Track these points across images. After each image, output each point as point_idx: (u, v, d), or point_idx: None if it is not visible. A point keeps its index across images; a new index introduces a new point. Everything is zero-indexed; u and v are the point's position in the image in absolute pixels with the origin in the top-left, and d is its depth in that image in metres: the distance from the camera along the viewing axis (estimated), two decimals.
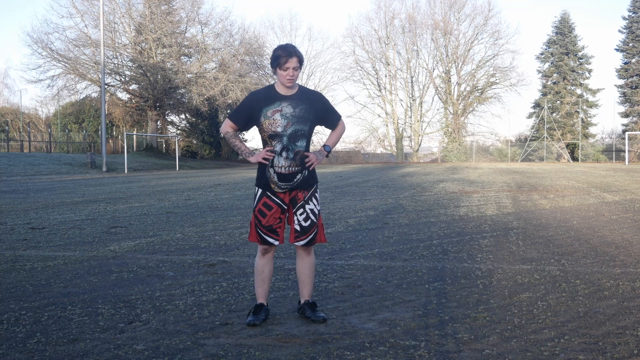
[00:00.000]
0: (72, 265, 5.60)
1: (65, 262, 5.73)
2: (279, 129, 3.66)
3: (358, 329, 3.55)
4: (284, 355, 3.13)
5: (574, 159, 53.04)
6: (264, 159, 3.67)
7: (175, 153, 42.89)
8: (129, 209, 11.02)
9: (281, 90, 3.73)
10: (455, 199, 12.45)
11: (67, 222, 9.01)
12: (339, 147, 60.60)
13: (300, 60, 3.68)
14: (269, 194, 3.74)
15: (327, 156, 3.88)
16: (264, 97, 3.71)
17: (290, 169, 3.67)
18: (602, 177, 21.53)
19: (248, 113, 3.74)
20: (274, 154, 3.67)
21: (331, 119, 3.91)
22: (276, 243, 3.76)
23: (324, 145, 3.89)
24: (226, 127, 3.84)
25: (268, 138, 3.70)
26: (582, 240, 6.75)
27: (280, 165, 3.67)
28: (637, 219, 8.80)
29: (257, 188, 3.81)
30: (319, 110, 3.79)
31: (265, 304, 3.80)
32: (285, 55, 3.62)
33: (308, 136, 3.75)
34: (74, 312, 3.99)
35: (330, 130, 3.99)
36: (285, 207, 3.77)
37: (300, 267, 3.85)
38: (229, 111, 51.30)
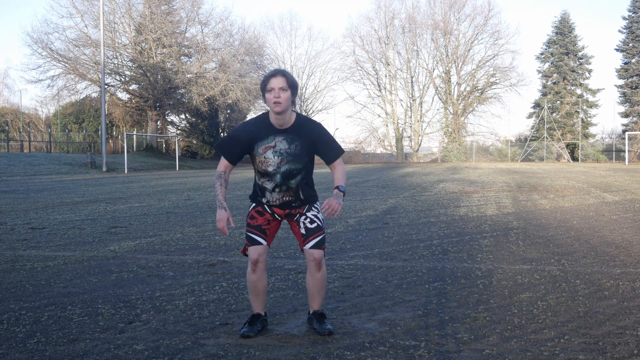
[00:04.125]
0: (72, 265, 5.60)
1: (65, 262, 5.73)
2: (270, 169, 3.42)
3: (358, 329, 3.55)
4: (284, 355, 3.13)
5: (574, 159, 53.04)
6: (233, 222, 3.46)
7: (175, 153, 42.89)
8: (129, 209, 11.02)
9: (275, 121, 3.41)
10: (455, 199, 12.45)
11: (67, 222, 9.01)
12: None
13: (290, 82, 3.34)
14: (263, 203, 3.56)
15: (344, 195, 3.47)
16: (258, 130, 3.43)
17: (283, 199, 3.48)
18: (602, 177, 21.53)
19: (242, 149, 3.48)
20: (227, 231, 3.44)
21: (329, 153, 3.51)
22: (263, 242, 3.49)
23: (338, 187, 3.44)
24: (221, 166, 3.53)
25: (258, 173, 3.49)
26: (582, 240, 6.75)
27: (273, 199, 3.48)
28: (637, 219, 8.80)
29: (251, 202, 3.63)
30: (316, 143, 3.46)
31: (263, 314, 3.58)
32: (270, 75, 3.36)
33: (304, 172, 3.48)
34: (74, 312, 3.99)
35: (335, 170, 3.56)
36: (279, 219, 3.58)
37: (311, 282, 3.55)
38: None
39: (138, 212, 10.43)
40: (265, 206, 3.54)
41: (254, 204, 3.59)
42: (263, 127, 3.43)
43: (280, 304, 4.14)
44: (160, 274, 5.17)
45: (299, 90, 3.43)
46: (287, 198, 3.48)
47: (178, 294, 4.43)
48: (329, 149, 3.52)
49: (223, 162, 3.54)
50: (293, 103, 3.43)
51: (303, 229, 3.52)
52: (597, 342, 3.27)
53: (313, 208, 3.57)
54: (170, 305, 4.13)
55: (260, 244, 3.51)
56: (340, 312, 3.89)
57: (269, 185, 3.46)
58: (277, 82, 3.33)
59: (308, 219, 3.52)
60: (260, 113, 3.55)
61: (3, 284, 4.82)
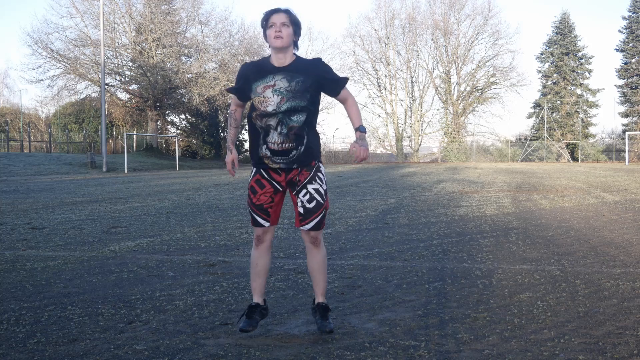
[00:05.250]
0: (72, 265, 5.60)
1: (65, 262, 5.73)
2: (270, 108, 3.22)
3: (358, 329, 3.55)
4: (284, 355, 3.13)
5: (574, 159, 53.04)
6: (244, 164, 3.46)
7: (175, 153, 42.89)
8: (129, 209, 11.02)
9: (275, 60, 3.26)
10: (455, 199, 12.45)
11: (67, 222, 9.00)
12: (339, 147, 60.63)
13: (292, 18, 3.21)
14: (263, 171, 3.36)
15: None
16: (256, 70, 3.29)
17: (284, 145, 3.26)
18: (602, 177, 21.53)
19: (243, 86, 3.36)
20: (234, 171, 3.48)
21: (335, 85, 3.33)
22: (266, 224, 3.39)
23: (358, 128, 3.29)
24: (233, 104, 3.53)
25: (258, 116, 3.28)
26: (582, 240, 6.75)
27: (272, 141, 3.26)
28: (637, 219, 8.80)
29: (252, 167, 3.46)
30: (318, 78, 3.27)
31: (262, 303, 3.48)
32: (271, 11, 3.22)
33: (308, 111, 3.28)
34: (74, 312, 3.99)
35: (346, 107, 3.42)
36: (281, 189, 3.38)
37: (310, 262, 3.46)
38: (228, 112, 51.26)
39: (138, 212, 10.43)
40: (264, 173, 3.36)
41: (253, 170, 3.45)
42: (262, 66, 3.30)
43: (280, 304, 4.14)
44: (160, 274, 5.17)
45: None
46: (287, 145, 3.26)
47: (178, 294, 4.43)
48: (333, 80, 3.33)
49: (234, 101, 3.52)
50: (295, 44, 3.28)
51: (301, 208, 3.35)
52: (597, 342, 3.27)
53: (316, 178, 3.36)
54: (170, 305, 4.13)
55: (262, 226, 3.41)
56: (340, 312, 3.89)
57: (268, 123, 3.25)
58: (278, 18, 3.20)
59: (307, 195, 3.34)
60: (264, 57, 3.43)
61: (3, 284, 4.82)
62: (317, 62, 3.34)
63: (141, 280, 4.93)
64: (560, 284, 4.64)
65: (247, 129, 3.48)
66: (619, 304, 4.05)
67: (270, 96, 3.23)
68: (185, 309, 4.03)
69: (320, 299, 3.51)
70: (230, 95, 3.52)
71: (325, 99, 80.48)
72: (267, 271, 3.52)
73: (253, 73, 3.31)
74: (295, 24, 3.24)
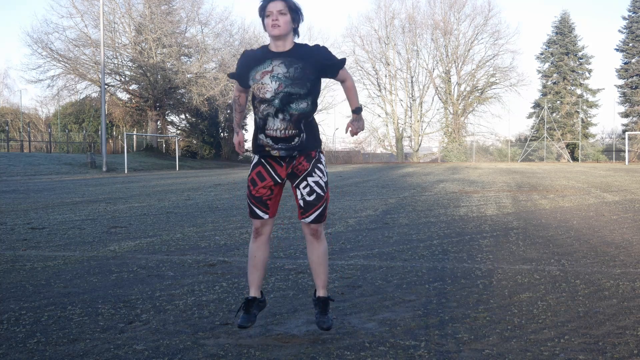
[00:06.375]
0: (72, 265, 5.60)
1: (65, 262, 5.73)
2: (268, 95, 3.18)
3: (358, 329, 3.55)
4: (284, 355, 3.13)
5: (574, 159, 53.05)
6: (245, 143, 3.48)
7: (175, 153, 42.89)
8: (129, 209, 11.02)
9: (274, 47, 3.22)
10: (455, 199, 12.45)
11: (67, 222, 9.00)
12: (339, 147, 60.62)
13: (289, 5, 3.17)
14: (264, 163, 3.32)
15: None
16: (255, 56, 3.26)
17: (286, 132, 3.21)
18: (602, 177, 21.54)
19: (244, 74, 3.32)
20: (244, 148, 3.42)
21: (332, 68, 3.29)
22: (265, 217, 3.35)
23: (355, 110, 3.36)
24: (235, 91, 3.48)
25: (258, 103, 3.26)
26: (582, 240, 6.75)
27: (275, 128, 3.21)
28: (637, 219, 8.80)
29: (253, 155, 3.40)
30: (318, 63, 3.22)
31: (258, 296, 3.42)
32: (268, 0, 3.19)
33: (308, 99, 3.23)
34: (74, 312, 3.99)
35: (344, 88, 3.42)
36: (280, 182, 3.34)
37: (311, 255, 3.41)
38: (228, 111, 51.30)
39: (138, 212, 10.43)
40: (266, 164, 3.33)
41: (255, 161, 3.41)
42: (261, 53, 3.26)
43: (280, 304, 4.14)
44: (160, 274, 5.17)
45: (302, 17, 3.26)
46: (288, 132, 3.21)
47: (178, 294, 4.42)
48: (331, 62, 3.27)
49: (236, 87, 3.45)
50: (295, 31, 3.24)
51: (301, 201, 3.33)
52: (597, 342, 3.27)
53: (316, 170, 3.33)
54: (170, 305, 4.13)
55: (261, 218, 3.36)
56: (340, 312, 3.89)
57: (268, 110, 3.22)
58: (275, 6, 3.16)
59: (307, 188, 3.31)
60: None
61: (3, 284, 4.82)
62: (317, 48, 3.28)
63: (141, 280, 4.93)
64: (560, 284, 4.64)
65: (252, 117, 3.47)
66: (619, 304, 4.05)
67: (268, 82, 3.18)
68: (185, 309, 4.03)
69: (321, 292, 3.45)
70: (233, 81, 3.47)
71: (324, 99, 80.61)
72: (265, 264, 3.45)
73: (252, 60, 3.27)
74: (292, 10, 3.19)
